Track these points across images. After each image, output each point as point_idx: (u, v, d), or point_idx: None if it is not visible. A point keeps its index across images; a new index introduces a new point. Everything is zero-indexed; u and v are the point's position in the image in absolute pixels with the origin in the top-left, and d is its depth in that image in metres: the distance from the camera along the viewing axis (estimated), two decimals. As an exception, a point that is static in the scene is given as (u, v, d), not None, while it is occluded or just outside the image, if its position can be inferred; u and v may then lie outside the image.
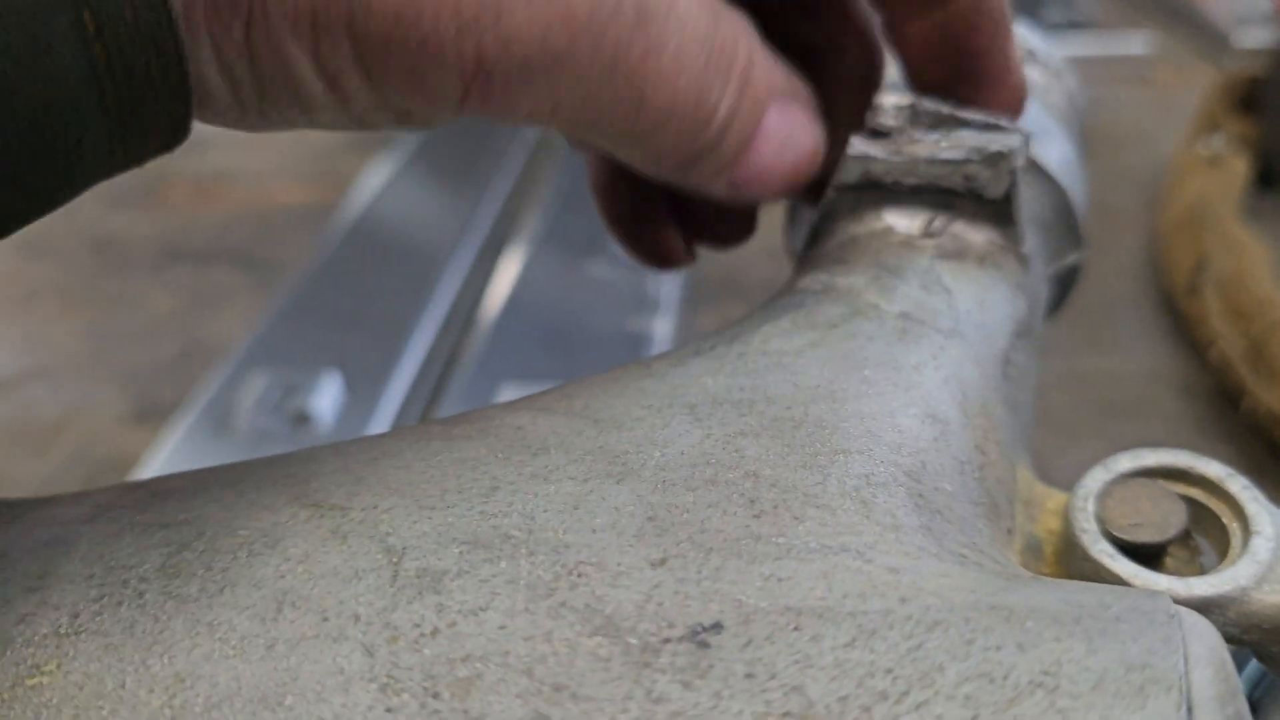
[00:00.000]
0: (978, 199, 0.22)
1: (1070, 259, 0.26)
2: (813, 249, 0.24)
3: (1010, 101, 0.23)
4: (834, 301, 0.21)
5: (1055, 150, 0.25)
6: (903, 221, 0.23)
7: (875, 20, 0.24)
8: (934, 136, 0.22)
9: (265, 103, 0.18)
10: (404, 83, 0.18)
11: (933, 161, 0.22)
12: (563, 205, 0.61)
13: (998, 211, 0.22)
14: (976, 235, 0.23)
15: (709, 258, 0.60)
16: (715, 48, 0.20)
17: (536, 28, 0.17)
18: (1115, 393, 0.49)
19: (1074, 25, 0.84)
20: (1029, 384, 0.22)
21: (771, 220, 0.60)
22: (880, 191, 0.23)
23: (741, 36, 0.20)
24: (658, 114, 0.19)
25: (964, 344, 0.20)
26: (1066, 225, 0.25)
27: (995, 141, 0.22)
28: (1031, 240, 0.23)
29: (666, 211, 0.28)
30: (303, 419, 0.45)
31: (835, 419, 0.17)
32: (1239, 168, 0.60)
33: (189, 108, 0.17)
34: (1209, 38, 0.84)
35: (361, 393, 0.46)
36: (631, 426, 0.18)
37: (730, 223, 0.28)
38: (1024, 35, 0.28)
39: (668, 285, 0.54)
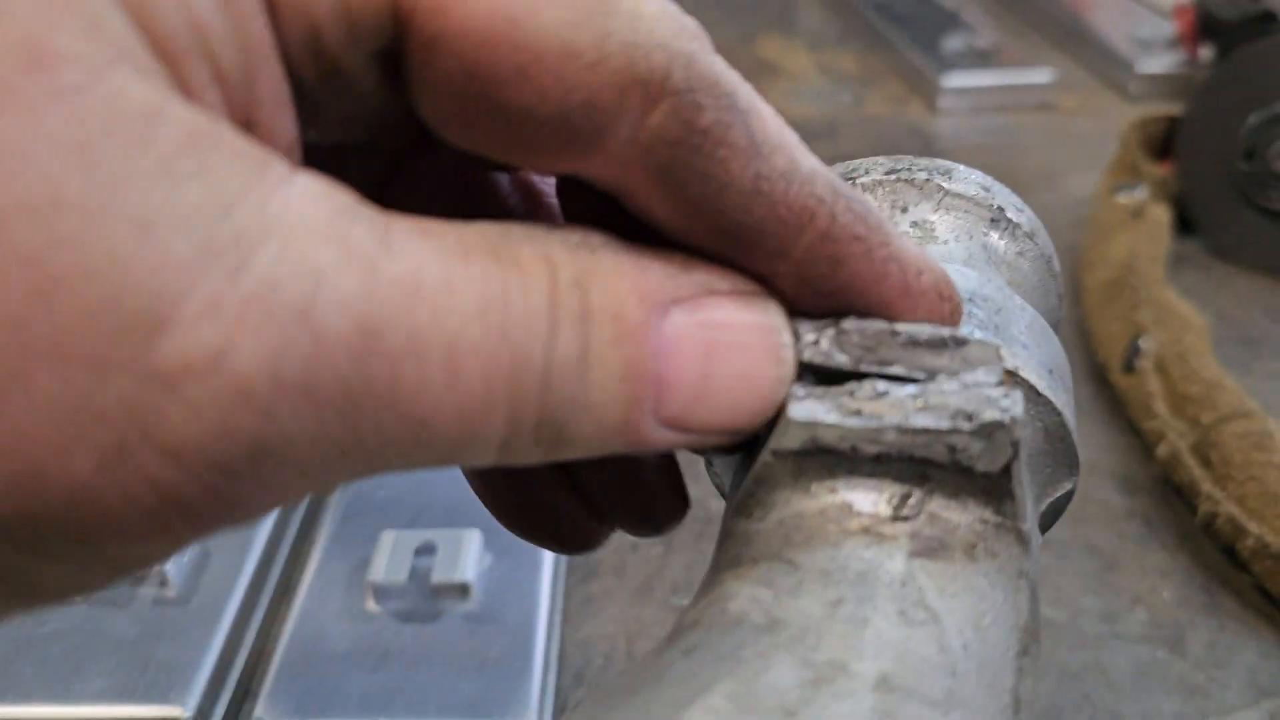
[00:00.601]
0: (963, 472, 0.16)
1: (1064, 487, 0.20)
2: (744, 520, 0.17)
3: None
4: (786, 655, 0.14)
5: (1038, 353, 0.19)
6: (865, 499, 0.17)
7: None
8: (905, 392, 0.16)
9: None
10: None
11: (906, 430, 0.16)
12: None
13: (990, 485, 0.16)
14: (961, 515, 0.16)
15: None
16: (499, 283, 0.13)
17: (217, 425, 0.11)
18: (1055, 487, 0.44)
19: (976, 55, 0.79)
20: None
21: None
22: (833, 457, 0.17)
23: (553, 246, 0.14)
24: (445, 429, 0.13)
25: (964, 716, 0.14)
26: (1060, 447, 0.20)
27: (987, 404, 0.16)
28: (1030, 505, 0.17)
29: (564, 486, 0.21)
30: (145, 577, 0.37)
31: None
32: (1162, 218, 0.55)
33: None
34: (1111, 63, 0.80)
35: (217, 548, 0.39)
36: None
37: (653, 495, 0.21)
38: (985, 191, 0.22)
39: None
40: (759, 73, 0.89)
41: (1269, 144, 0.54)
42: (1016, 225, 0.22)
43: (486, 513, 0.40)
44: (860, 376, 0.16)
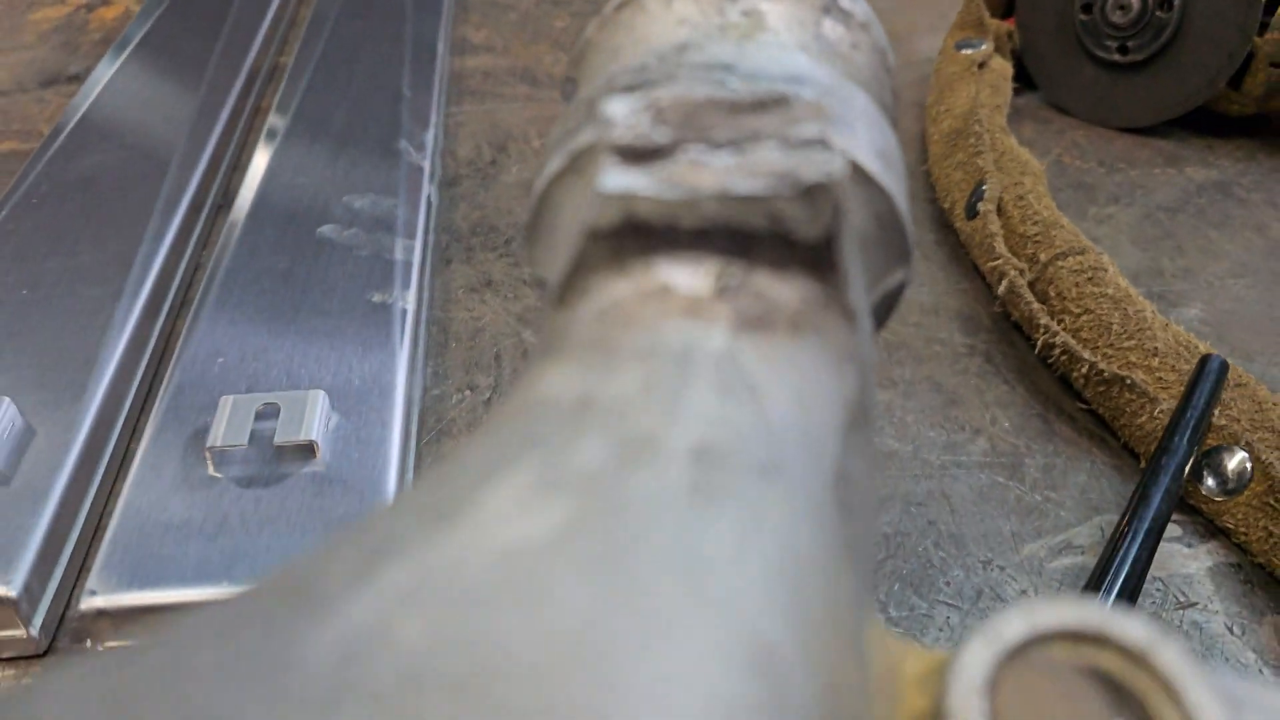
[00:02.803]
0: (786, 242, 0.15)
1: (896, 277, 0.19)
2: (563, 309, 0.16)
3: None
4: (597, 432, 0.13)
5: (869, 137, 0.18)
6: (685, 278, 0.15)
7: None
8: (723, 157, 0.15)
9: None
10: None
11: (724, 198, 0.14)
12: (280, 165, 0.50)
13: (814, 255, 0.15)
14: (785, 289, 0.15)
15: (458, 200, 0.52)
16: None
17: None
18: (898, 329, 0.44)
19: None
20: (871, 504, 0.15)
21: (529, 135, 0.51)
22: (650, 235, 0.15)
23: None
24: None
25: (787, 485, 0.13)
26: (891, 235, 0.18)
27: (809, 164, 0.14)
28: (857, 281, 0.16)
29: None
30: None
31: (605, 708, 0.10)
32: (1005, 69, 0.55)
33: None
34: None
35: (44, 415, 0.36)
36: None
37: None
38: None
39: (410, 240, 0.45)
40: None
41: (1105, -5, 0.54)
42: (850, 14, 0.21)
43: (332, 374, 0.38)
44: (680, 146, 0.15)
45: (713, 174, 0.15)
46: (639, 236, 0.15)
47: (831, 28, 0.20)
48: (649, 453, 0.13)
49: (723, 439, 0.13)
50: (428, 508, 0.12)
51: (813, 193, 0.14)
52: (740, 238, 0.15)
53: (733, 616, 0.11)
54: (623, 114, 0.15)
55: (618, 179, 0.14)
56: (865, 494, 0.15)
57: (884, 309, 0.20)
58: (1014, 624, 0.13)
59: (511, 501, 0.12)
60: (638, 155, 0.15)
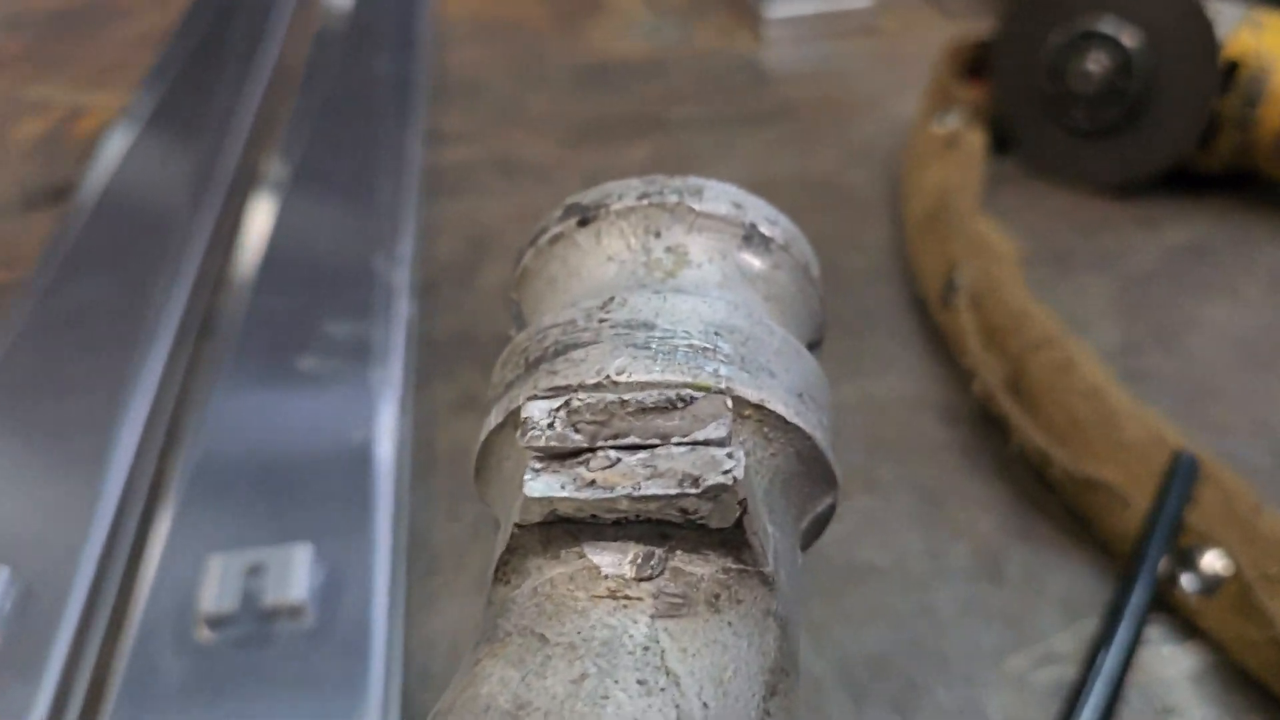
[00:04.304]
0: (700, 528, 0.17)
1: (823, 504, 0.21)
2: (503, 585, 0.18)
3: None
4: (526, 743, 0.15)
5: (787, 379, 0.20)
6: (610, 561, 0.17)
7: None
8: (633, 460, 0.16)
9: None
10: None
11: (637, 498, 0.16)
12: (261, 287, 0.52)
13: (727, 537, 0.17)
14: (704, 566, 0.17)
15: (438, 308, 0.54)
16: None
17: None
18: (880, 427, 0.46)
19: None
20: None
21: (508, 232, 0.52)
22: (576, 524, 0.17)
23: None
24: None
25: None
26: (815, 467, 0.20)
27: (712, 466, 0.16)
28: (774, 540, 0.18)
29: None
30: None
31: None
32: (976, 143, 0.56)
33: None
34: (929, -22, 0.81)
35: (38, 591, 0.38)
36: None
37: None
38: (736, 208, 0.22)
39: (389, 368, 0.47)
40: (587, 11, 0.88)
41: (1068, 63, 0.56)
42: (769, 239, 0.22)
43: (317, 521, 0.39)
44: (595, 450, 0.17)
45: (625, 475, 0.16)
46: (565, 526, 0.17)
47: (752, 256, 0.22)
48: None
49: (643, 742, 0.15)
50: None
51: (716, 491, 0.16)
52: (658, 525, 0.17)
53: None
54: (542, 418, 0.17)
55: (539, 485, 0.16)
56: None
57: (815, 530, 0.21)
58: None
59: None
60: (556, 456, 0.17)
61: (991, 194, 0.57)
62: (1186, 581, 0.37)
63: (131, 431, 0.44)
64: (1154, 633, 0.37)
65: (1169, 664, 0.36)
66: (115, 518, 0.41)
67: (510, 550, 0.17)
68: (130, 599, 0.39)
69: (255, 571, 0.37)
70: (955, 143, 0.56)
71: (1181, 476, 0.38)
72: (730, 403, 0.17)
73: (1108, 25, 0.54)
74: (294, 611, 0.36)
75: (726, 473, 0.16)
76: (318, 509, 0.40)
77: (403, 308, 0.50)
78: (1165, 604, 0.37)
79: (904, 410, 0.46)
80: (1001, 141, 0.61)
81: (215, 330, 0.50)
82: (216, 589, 0.36)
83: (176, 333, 0.50)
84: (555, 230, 0.23)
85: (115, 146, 0.65)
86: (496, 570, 0.18)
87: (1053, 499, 0.41)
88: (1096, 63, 0.55)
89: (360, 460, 0.42)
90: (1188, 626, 0.37)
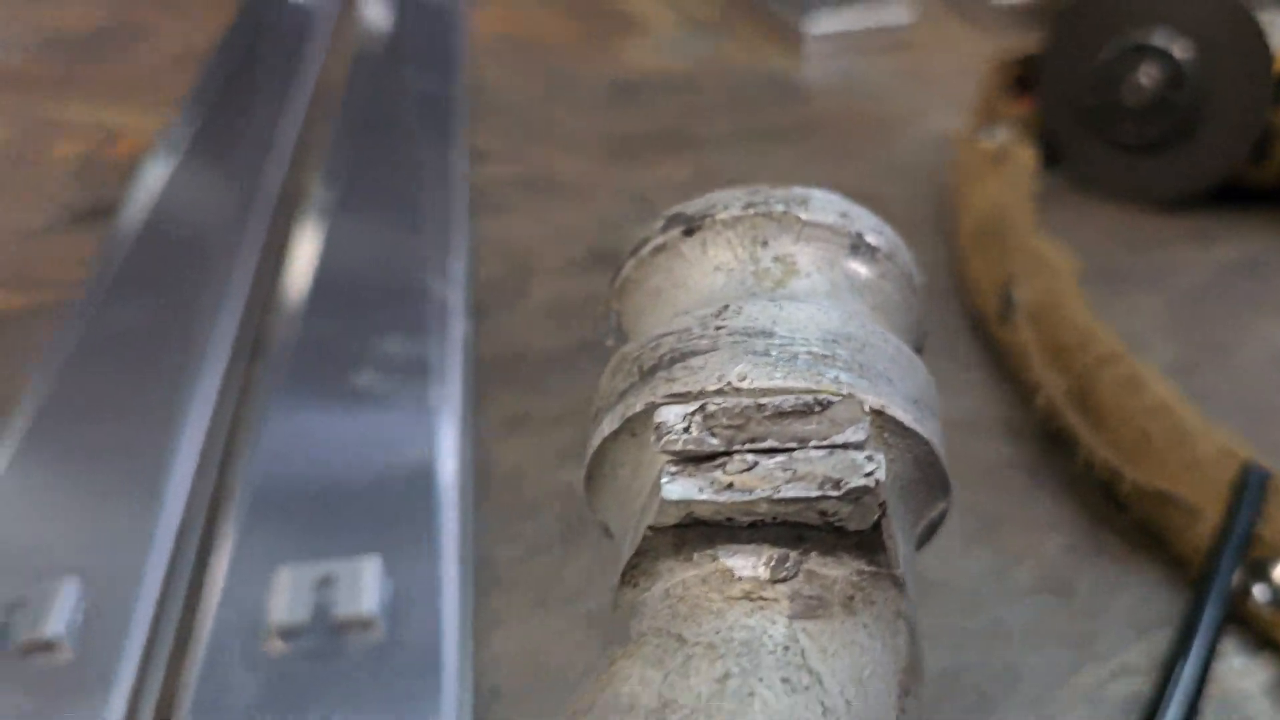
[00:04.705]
0: (836, 530, 0.17)
1: (938, 509, 0.21)
2: (631, 589, 0.18)
3: None
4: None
5: (904, 386, 0.20)
6: (745, 563, 0.17)
7: None
8: (772, 463, 0.17)
9: None
10: None
11: (776, 500, 0.17)
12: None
13: (863, 540, 0.17)
14: (838, 568, 0.17)
15: (484, 330, 0.54)
16: None
17: None
18: (941, 443, 0.46)
19: (835, -2, 0.80)
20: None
21: (548, 252, 0.52)
22: (711, 527, 0.17)
23: None
24: None
25: (853, 781, 0.15)
26: (930, 474, 0.21)
27: (852, 469, 0.16)
28: (905, 548, 0.18)
29: None
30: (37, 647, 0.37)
31: None
32: (1026, 159, 0.57)
33: None
34: (967, -5, 0.82)
35: (105, 604, 0.38)
36: None
37: None
38: (843, 218, 0.23)
39: (448, 385, 0.47)
40: (619, 27, 0.88)
41: (1119, 77, 0.56)
42: (876, 249, 0.23)
43: (383, 538, 0.40)
44: (732, 454, 0.17)
45: (764, 478, 0.17)
46: (700, 529, 0.17)
47: (859, 265, 0.22)
48: (729, 767, 0.15)
49: (793, 742, 0.15)
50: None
51: (858, 495, 0.16)
52: (794, 527, 0.17)
53: None
54: (677, 422, 0.17)
55: (677, 488, 0.17)
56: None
57: (926, 535, 0.22)
58: None
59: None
60: (693, 460, 0.17)
61: (1040, 210, 0.57)
62: (1259, 593, 0.37)
63: (191, 447, 0.45)
64: (1227, 645, 0.37)
65: (1244, 676, 0.36)
66: (179, 531, 0.41)
67: (641, 553, 0.18)
68: (198, 611, 0.39)
69: (325, 584, 0.37)
70: (1004, 158, 0.56)
71: (1252, 489, 0.38)
72: (866, 407, 0.17)
73: (1159, 38, 0.55)
74: (365, 624, 0.36)
75: (868, 475, 0.16)
76: (383, 524, 0.40)
77: (458, 325, 0.50)
78: (1238, 617, 0.37)
79: (964, 429, 0.47)
80: (1049, 157, 0.61)
81: (268, 349, 0.51)
82: (287, 600, 0.36)
83: (230, 352, 0.51)
84: (659, 240, 0.23)
85: (157, 168, 0.66)
86: (625, 574, 0.18)
87: (1121, 516, 0.42)
88: (1148, 76, 0.55)
89: (422, 476, 0.42)
90: (1261, 639, 0.37)
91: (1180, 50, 0.55)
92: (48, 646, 0.36)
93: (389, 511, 0.41)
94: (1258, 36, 0.53)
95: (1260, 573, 0.37)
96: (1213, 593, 0.36)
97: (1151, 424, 0.41)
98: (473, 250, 0.60)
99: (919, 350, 0.24)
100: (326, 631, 0.36)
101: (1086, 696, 0.36)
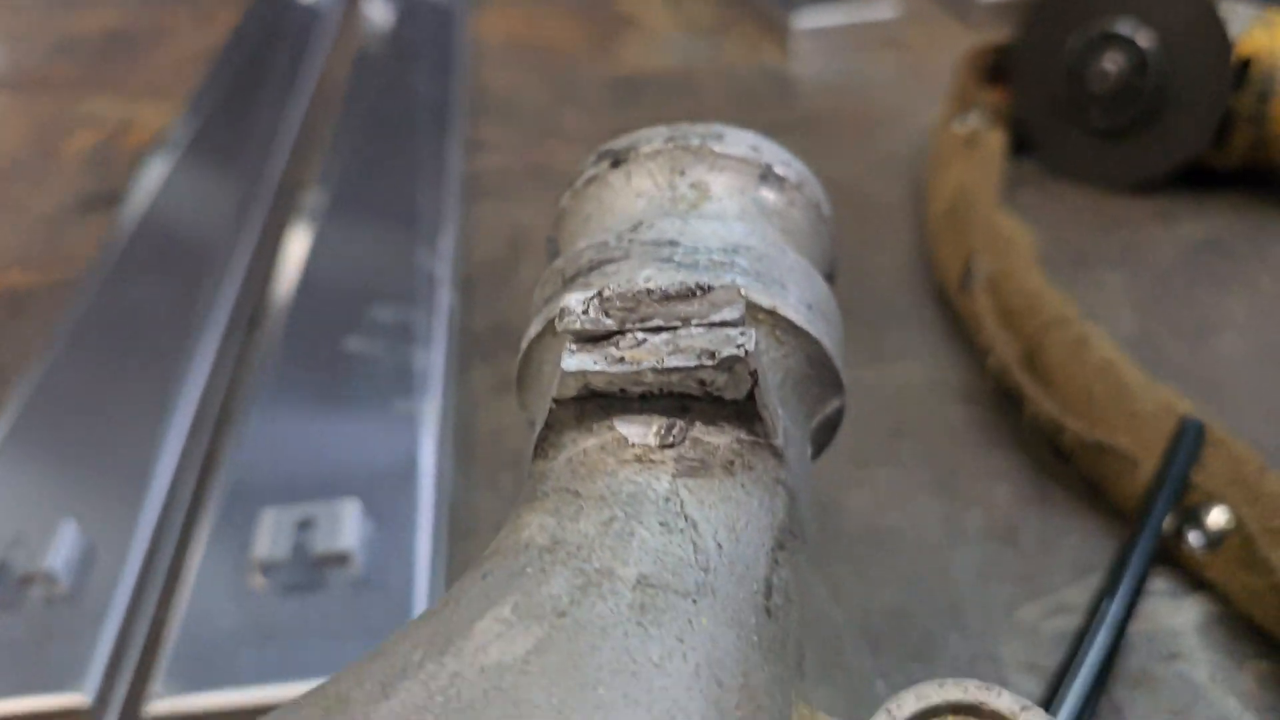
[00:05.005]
0: (717, 400, 0.19)
1: (832, 406, 0.24)
2: (541, 460, 0.20)
3: None
4: (562, 569, 0.18)
5: (800, 292, 0.22)
6: (636, 431, 0.20)
7: None
8: (658, 339, 0.19)
9: None
10: None
11: (661, 370, 0.19)
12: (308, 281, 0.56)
13: (740, 410, 0.20)
14: (720, 436, 0.20)
15: (476, 302, 0.57)
16: None
17: None
18: (900, 407, 0.48)
19: (824, -6, 0.82)
20: (797, 606, 0.19)
21: (542, 234, 0.55)
22: (606, 399, 0.20)
23: None
24: None
25: (715, 604, 0.17)
26: (823, 372, 0.23)
27: (727, 342, 0.19)
28: (784, 422, 0.20)
29: None
30: (33, 579, 0.39)
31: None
32: (995, 144, 0.59)
33: None
34: (952, -8, 0.84)
35: (103, 543, 0.41)
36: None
37: None
38: (754, 150, 0.25)
39: (433, 351, 0.50)
40: (618, 30, 0.91)
41: (1086, 64, 0.59)
42: (784, 179, 0.25)
43: (364, 482, 0.42)
44: (624, 333, 0.20)
45: (650, 352, 0.19)
46: (597, 401, 0.20)
47: (768, 192, 0.25)
48: (605, 583, 0.17)
49: (664, 569, 0.18)
50: (433, 637, 0.17)
51: (730, 362, 0.19)
52: (679, 399, 0.19)
53: (662, 707, 0.16)
54: (578, 306, 0.19)
55: (575, 361, 0.19)
56: (791, 603, 0.19)
57: (826, 432, 0.24)
58: (909, 701, 0.18)
59: (495, 630, 0.17)
60: (590, 339, 0.19)
61: (1011, 193, 0.60)
62: (1193, 538, 0.39)
63: (188, 404, 0.47)
64: (1161, 586, 0.39)
65: (1175, 614, 0.38)
66: (173, 479, 0.44)
67: (548, 426, 0.20)
68: (187, 550, 0.42)
69: (307, 524, 0.40)
70: (975, 141, 0.59)
71: (1189, 439, 0.40)
72: (743, 290, 0.20)
73: (1124, 26, 0.57)
74: (342, 559, 0.39)
75: (739, 346, 0.19)
76: (364, 472, 0.43)
77: (445, 297, 0.53)
78: (1172, 560, 0.39)
79: (923, 391, 0.49)
80: (1021, 144, 0.63)
81: (264, 319, 0.54)
82: (270, 538, 0.39)
83: (228, 320, 0.54)
84: (590, 173, 0.26)
85: (162, 160, 0.69)
86: (536, 447, 0.21)
87: (1066, 468, 0.44)
88: (1113, 63, 0.57)
89: (403, 430, 0.45)
90: (1194, 580, 0.39)
91: (1144, 39, 0.57)
92: (45, 579, 0.39)
93: (371, 461, 0.43)
94: (1217, 26, 0.55)
95: (1194, 518, 0.39)
96: (1144, 533, 0.38)
97: (1096, 382, 0.43)
98: (466, 231, 0.63)
99: (831, 276, 0.26)
100: (306, 565, 0.39)
101: (1025, 631, 0.38)
